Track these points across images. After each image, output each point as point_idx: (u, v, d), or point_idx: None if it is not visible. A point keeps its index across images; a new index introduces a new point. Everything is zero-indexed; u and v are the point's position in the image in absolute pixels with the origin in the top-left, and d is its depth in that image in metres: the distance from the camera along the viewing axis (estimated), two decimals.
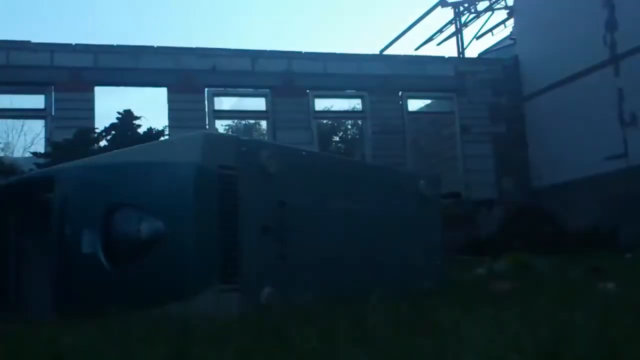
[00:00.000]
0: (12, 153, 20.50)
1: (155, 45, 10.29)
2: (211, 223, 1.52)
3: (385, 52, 15.52)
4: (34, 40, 9.80)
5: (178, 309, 1.37)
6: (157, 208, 1.56)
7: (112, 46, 10.10)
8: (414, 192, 2.12)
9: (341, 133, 21.11)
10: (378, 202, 1.98)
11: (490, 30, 15.79)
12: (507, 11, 14.90)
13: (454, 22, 15.50)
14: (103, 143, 8.04)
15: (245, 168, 1.59)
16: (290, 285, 1.59)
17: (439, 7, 14.98)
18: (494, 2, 15.22)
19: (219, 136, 1.64)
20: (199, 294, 1.47)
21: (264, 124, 12.49)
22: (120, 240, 1.63)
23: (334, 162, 1.90)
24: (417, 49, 16.29)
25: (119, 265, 1.62)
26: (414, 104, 12.42)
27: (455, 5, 15.25)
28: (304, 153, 1.78)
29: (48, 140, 9.13)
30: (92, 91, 9.80)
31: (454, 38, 15.46)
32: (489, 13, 15.53)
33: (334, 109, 14.23)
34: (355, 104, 12.09)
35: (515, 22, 13.07)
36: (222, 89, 10.61)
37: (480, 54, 15.84)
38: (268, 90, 10.57)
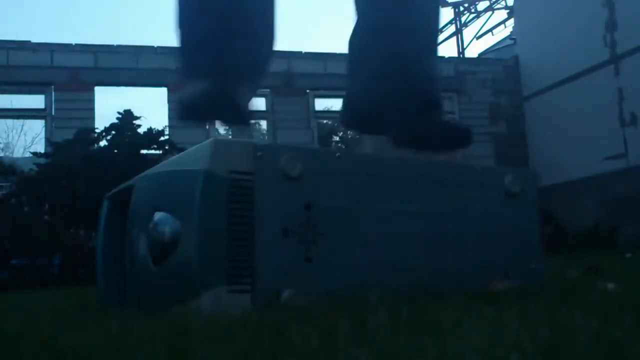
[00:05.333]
0: (12, 153, 20.54)
1: (155, 45, 10.29)
2: (219, 225, 1.54)
3: None
4: (34, 40, 9.82)
5: (184, 308, 1.39)
6: (175, 212, 1.62)
7: (112, 46, 10.11)
8: (497, 188, 1.99)
9: (341, 133, 21.11)
10: (445, 201, 1.89)
11: (490, 30, 15.81)
12: (507, 11, 14.92)
13: (454, 22, 15.53)
14: (103, 143, 8.05)
15: (262, 172, 1.60)
16: (319, 287, 1.56)
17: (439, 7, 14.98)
18: (494, 2, 15.24)
19: (231, 142, 1.63)
20: (204, 294, 1.49)
21: (264, 124, 12.48)
22: (153, 242, 1.69)
23: (381, 162, 1.84)
24: None
25: (158, 265, 1.68)
26: None
27: (455, 5, 15.27)
28: (338, 155, 1.75)
29: (48, 140, 9.13)
30: (92, 91, 9.80)
31: (454, 38, 15.48)
32: (489, 13, 15.55)
33: (334, 109, 14.24)
34: None
35: (515, 22, 13.08)
36: None
37: (480, 54, 15.86)
38: (268, 90, 10.55)
